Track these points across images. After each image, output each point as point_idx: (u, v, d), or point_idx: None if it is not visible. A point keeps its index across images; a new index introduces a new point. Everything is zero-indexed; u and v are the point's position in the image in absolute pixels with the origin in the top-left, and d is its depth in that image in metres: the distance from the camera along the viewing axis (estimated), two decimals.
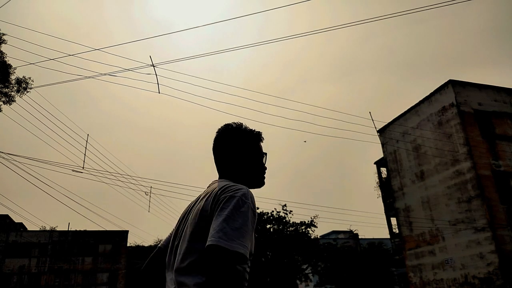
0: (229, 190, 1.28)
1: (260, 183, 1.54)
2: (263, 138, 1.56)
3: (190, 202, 1.52)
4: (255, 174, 1.51)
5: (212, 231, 1.16)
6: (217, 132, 1.53)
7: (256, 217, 1.28)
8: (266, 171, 1.55)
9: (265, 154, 1.56)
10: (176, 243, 1.37)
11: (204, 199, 1.34)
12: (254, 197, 1.32)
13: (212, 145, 1.54)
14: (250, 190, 1.34)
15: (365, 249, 32.36)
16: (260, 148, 1.54)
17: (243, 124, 1.54)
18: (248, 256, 1.17)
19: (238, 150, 1.48)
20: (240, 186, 1.32)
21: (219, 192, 1.29)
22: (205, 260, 1.15)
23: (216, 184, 1.39)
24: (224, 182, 1.36)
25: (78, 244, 33.93)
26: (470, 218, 17.37)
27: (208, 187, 1.48)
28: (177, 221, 1.51)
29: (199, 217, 1.30)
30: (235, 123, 1.54)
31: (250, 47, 9.11)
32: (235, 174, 1.47)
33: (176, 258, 1.30)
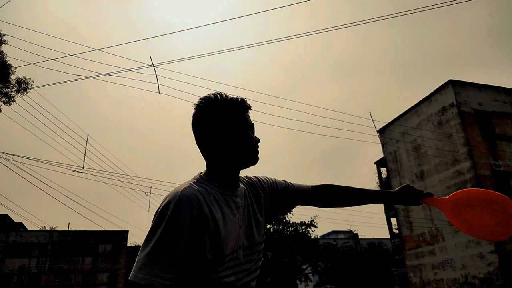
0: (160, 204, 1.13)
1: (253, 158, 1.27)
2: (249, 106, 1.29)
3: None
4: (244, 150, 1.24)
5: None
6: (194, 108, 1.26)
7: (183, 225, 1.07)
8: (259, 144, 1.30)
9: (252, 124, 1.29)
10: None
11: None
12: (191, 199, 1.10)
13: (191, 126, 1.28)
14: (193, 187, 1.15)
15: (365, 249, 32.35)
16: (245, 118, 1.27)
17: (223, 93, 1.26)
18: (159, 283, 1.03)
19: (219, 125, 1.21)
20: (171, 193, 1.14)
21: None
22: None
23: None
24: (170, 193, 1.16)
25: (78, 244, 33.92)
26: None
27: None
28: None
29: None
30: (213, 94, 1.25)
31: (250, 47, 9.12)
32: (220, 156, 1.23)
33: None
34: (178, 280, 1.09)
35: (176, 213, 1.07)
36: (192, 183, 1.18)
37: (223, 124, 1.22)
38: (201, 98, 1.26)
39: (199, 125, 1.25)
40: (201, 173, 1.27)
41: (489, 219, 1.31)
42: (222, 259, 1.14)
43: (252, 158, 1.27)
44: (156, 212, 1.10)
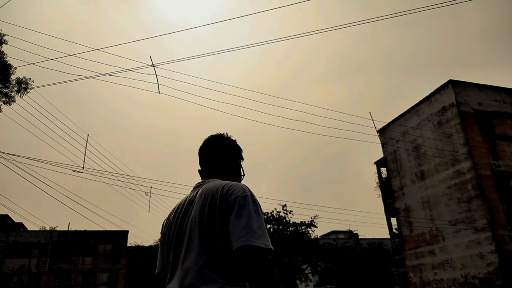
0: (235, 191, 1.35)
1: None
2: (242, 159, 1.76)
3: (174, 207, 1.56)
4: (237, 178, 1.65)
5: (238, 232, 1.23)
6: (208, 138, 1.71)
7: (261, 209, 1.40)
8: (243, 177, 1.71)
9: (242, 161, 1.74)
10: (174, 251, 1.38)
11: (204, 199, 1.37)
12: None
13: (201, 148, 1.70)
14: None
15: (365, 249, 32.33)
16: (241, 156, 1.73)
17: (232, 138, 1.74)
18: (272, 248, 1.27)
19: (227, 155, 1.65)
20: (239, 184, 1.41)
21: (225, 192, 1.35)
22: (233, 261, 1.24)
23: (211, 184, 1.44)
24: (220, 181, 1.44)
25: (78, 244, 33.92)
26: (470, 218, 17.36)
27: (196, 187, 1.53)
28: (162, 235, 1.52)
29: (208, 217, 1.32)
30: (223, 133, 1.73)
31: (250, 47, 9.12)
32: (222, 176, 1.59)
33: (181, 262, 1.31)
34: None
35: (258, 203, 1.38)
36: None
37: (230, 156, 1.66)
38: (215, 134, 1.72)
39: (213, 150, 1.65)
40: (220, 180, 1.55)
41: None
42: None
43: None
44: (243, 197, 1.33)
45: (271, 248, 1.23)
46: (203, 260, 1.26)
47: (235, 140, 1.75)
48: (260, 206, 1.36)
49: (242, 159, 1.74)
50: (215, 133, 1.74)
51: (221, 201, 1.32)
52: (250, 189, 1.40)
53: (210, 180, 1.53)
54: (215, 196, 1.34)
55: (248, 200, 1.31)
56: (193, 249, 1.30)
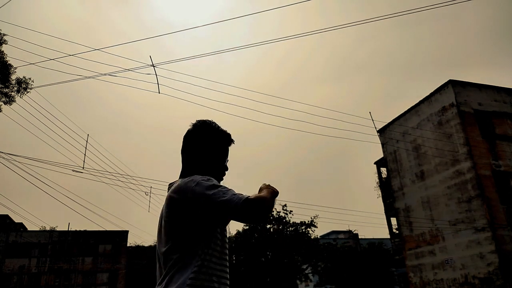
0: (190, 183, 1.41)
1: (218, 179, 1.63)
2: (232, 141, 1.66)
3: None
4: (216, 174, 1.59)
5: (216, 198, 1.32)
6: (191, 125, 1.62)
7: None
8: (226, 172, 1.65)
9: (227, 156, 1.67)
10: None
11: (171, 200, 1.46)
12: None
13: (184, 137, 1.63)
14: None
15: (365, 249, 32.33)
16: (227, 150, 1.65)
17: (215, 123, 1.64)
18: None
19: (205, 147, 1.57)
20: (193, 176, 1.45)
21: (182, 190, 1.42)
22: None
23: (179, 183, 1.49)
24: (185, 179, 1.46)
25: (78, 244, 33.92)
26: (470, 218, 17.36)
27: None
28: None
29: (165, 216, 1.46)
30: (209, 120, 1.63)
31: (250, 47, 9.11)
32: (199, 168, 1.56)
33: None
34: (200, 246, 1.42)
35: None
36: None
37: (213, 147, 1.58)
38: (202, 121, 1.62)
39: (196, 139, 1.58)
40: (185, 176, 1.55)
41: None
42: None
43: (218, 179, 1.62)
44: (194, 180, 1.40)
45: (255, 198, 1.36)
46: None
47: (222, 130, 1.64)
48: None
49: (226, 155, 1.64)
50: (198, 120, 1.64)
51: (185, 202, 1.44)
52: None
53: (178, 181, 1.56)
54: (175, 203, 1.43)
55: (197, 182, 1.40)
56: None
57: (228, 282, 1.47)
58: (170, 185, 1.56)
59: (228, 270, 1.49)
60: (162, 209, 1.50)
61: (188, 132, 1.61)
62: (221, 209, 1.31)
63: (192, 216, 1.38)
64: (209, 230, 1.43)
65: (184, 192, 1.39)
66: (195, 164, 1.56)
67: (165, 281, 1.35)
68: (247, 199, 1.29)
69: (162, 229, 1.45)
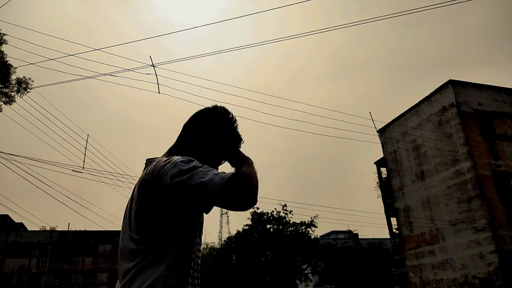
0: (163, 162, 1.24)
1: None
2: (242, 141, 1.49)
3: None
4: (214, 159, 1.42)
5: (193, 181, 1.14)
6: (213, 106, 1.45)
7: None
8: (221, 162, 1.47)
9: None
10: None
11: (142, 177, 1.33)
12: None
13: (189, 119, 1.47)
14: None
15: (365, 249, 32.31)
16: (228, 150, 1.44)
17: (234, 116, 1.47)
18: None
19: (210, 133, 1.40)
20: (169, 157, 1.27)
21: (155, 167, 1.25)
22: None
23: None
24: (156, 158, 1.33)
25: (78, 244, 33.93)
26: (470, 218, 17.36)
27: None
28: None
29: (130, 201, 1.32)
30: (228, 110, 1.47)
31: (250, 47, 9.12)
32: (195, 150, 1.39)
33: None
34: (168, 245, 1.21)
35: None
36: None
37: (219, 138, 1.40)
38: (222, 107, 1.45)
39: (207, 121, 1.41)
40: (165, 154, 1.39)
41: None
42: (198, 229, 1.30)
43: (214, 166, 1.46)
44: (170, 161, 1.21)
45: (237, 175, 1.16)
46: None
47: (223, 114, 1.44)
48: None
49: (229, 137, 1.43)
50: (213, 105, 1.46)
51: (154, 179, 1.25)
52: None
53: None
54: (144, 183, 1.26)
55: (172, 160, 1.22)
56: None
57: (199, 281, 1.30)
58: (148, 161, 1.35)
59: (199, 268, 1.32)
60: (133, 192, 1.29)
61: (203, 111, 1.44)
62: (200, 192, 1.10)
63: (168, 203, 1.19)
64: (188, 219, 1.23)
65: (159, 176, 1.18)
66: (190, 146, 1.39)
67: (129, 276, 1.15)
68: (232, 175, 1.10)
69: (132, 217, 1.24)
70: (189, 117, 1.46)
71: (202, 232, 1.35)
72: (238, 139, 1.46)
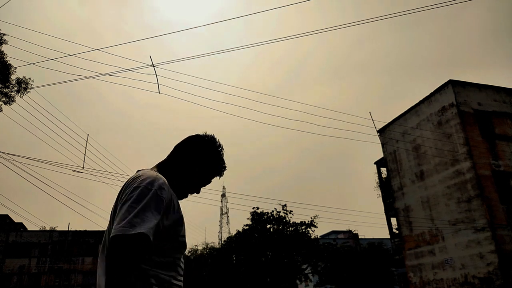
0: (136, 181, 1.29)
1: (181, 195, 1.53)
2: (221, 175, 1.59)
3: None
4: (188, 187, 1.52)
5: (115, 223, 1.17)
6: (204, 134, 1.57)
7: (165, 199, 1.27)
8: (194, 191, 1.56)
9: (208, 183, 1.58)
10: None
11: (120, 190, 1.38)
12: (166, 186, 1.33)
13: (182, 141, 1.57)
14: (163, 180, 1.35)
15: (365, 249, 32.32)
16: (213, 177, 1.57)
17: (223, 151, 1.58)
18: (150, 236, 1.16)
19: (202, 161, 1.51)
20: (150, 175, 1.32)
21: (127, 183, 1.31)
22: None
23: (134, 174, 1.39)
24: (139, 173, 1.36)
25: (78, 244, 33.92)
26: (470, 218, 17.37)
27: None
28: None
29: (112, 209, 1.34)
30: (220, 145, 1.57)
31: (250, 47, 9.13)
32: (176, 172, 1.49)
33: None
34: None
35: (160, 192, 1.27)
36: (161, 175, 1.38)
37: (207, 167, 1.52)
38: (215, 138, 1.57)
39: (199, 148, 1.52)
40: (147, 169, 1.44)
41: None
42: (183, 246, 1.35)
43: (182, 196, 1.53)
44: (138, 187, 1.25)
45: (140, 233, 1.12)
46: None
47: (220, 155, 1.56)
48: (157, 193, 1.25)
49: (208, 180, 1.56)
50: (206, 133, 1.59)
51: (121, 191, 1.31)
52: (161, 181, 1.30)
53: (141, 170, 1.43)
54: (119, 194, 1.32)
55: (140, 190, 1.24)
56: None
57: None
58: (136, 172, 1.43)
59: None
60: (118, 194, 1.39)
61: (198, 138, 1.55)
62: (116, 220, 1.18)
63: None
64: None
65: (124, 193, 1.28)
66: (182, 168, 1.49)
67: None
68: (132, 235, 1.11)
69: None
70: (182, 139, 1.57)
71: (179, 240, 1.37)
72: (221, 168, 1.57)
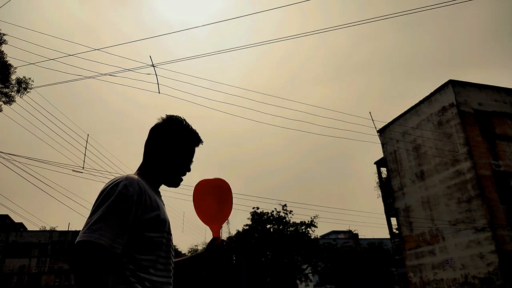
0: (106, 185, 1.27)
1: (173, 183, 1.50)
2: (201, 142, 1.54)
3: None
4: (173, 173, 1.47)
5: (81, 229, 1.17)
6: (161, 119, 1.50)
7: (131, 199, 1.23)
8: (186, 173, 1.51)
9: (192, 158, 1.53)
10: None
11: None
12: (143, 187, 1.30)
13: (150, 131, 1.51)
14: (141, 181, 1.32)
15: (365, 249, 32.32)
16: (193, 151, 1.52)
17: (185, 121, 1.52)
18: (110, 245, 1.13)
19: (175, 144, 1.46)
20: (119, 177, 1.29)
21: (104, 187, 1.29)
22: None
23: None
24: (118, 177, 1.33)
25: None
26: (470, 218, 17.36)
27: None
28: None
29: None
30: (180, 117, 1.51)
31: (250, 47, 9.12)
32: (160, 164, 1.45)
33: None
34: (123, 251, 1.20)
35: (126, 189, 1.23)
36: (133, 175, 1.34)
37: (177, 145, 1.46)
38: (172, 116, 1.50)
39: (161, 133, 1.46)
40: (139, 173, 1.43)
41: (212, 201, 1.58)
42: (163, 237, 1.32)
43: (174, 183, 1.50)
44: (104, 190, 1.23)
45: (92, 242, 1.10)
46: None
47: (190, 129, 1.51)
48: (121, 194, 1.21)
49: (190, 156, 1.51)
50: (167, 115, 1.51)
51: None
52: (129, 180, 1.26)
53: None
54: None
55: (105, 193, 1.22)
56: None
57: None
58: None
59: None
60: None
61: (157, 125, 1.49)
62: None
63: None
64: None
65: (101, 192, 1.26)
66: (156, 160, 1.44)
67: None
68: (88, 242, 1.10)
69: None
70: (149, 131, 1.50)
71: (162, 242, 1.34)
72: (192, 135, 1.50)
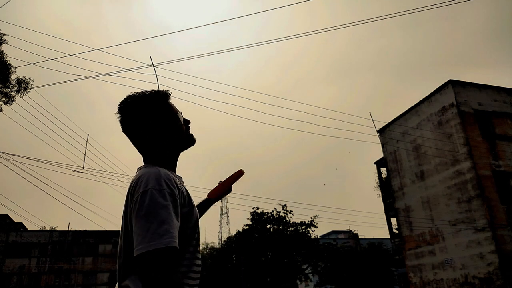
0: (139, 186, 1.13)
1: (188, 141, 1.37)
2: (169, 92, 1.35)
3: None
4: (177, 138, 1.33)
5: (135, 237, 1.07)
6: (119, 111, 1.30)
7: (174, 193, 1.14)
8: (189, 125, 1.39)
9: (178, 112, 1.36)
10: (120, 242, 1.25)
11: (126, 194, 1.22)
12: (173, 185, 1.17)
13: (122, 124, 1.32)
14: (163, 169, 1.19)
15: (365, 249, 32.31)
16: (170, 106, 1.34)
17: (140, 91, 1.32)
18: (176, 244, 1.05)
19: (150, 119, 1.28)
20: (147, 173, 1.15)
21: (132, 188, 1.16)
22: (137, 268, 1.09)
23: (135, 174, 1.23)
24: (139, 173, 1.20)
25: (78, 244, 33.92)
26: (470, 218, 17.36)
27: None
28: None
29: (123, 214, 1.21)
30: (132, 93, 1.31)
31: (249, 47, 9.11)
32: (160, 146, 1.29)
33: (118, 259, 1.23)
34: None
35: (170, 187, 1.13)
36: (156, 167, 1.20)
37: (153, 117, 1.28)
38: (123, 100, 1.30)
39: (131, 125, 1.29)
40: (145, 166, 1.27)
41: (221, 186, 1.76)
42: (196, 232, 1.25)
43: (187, 142, 1.37)
44: (144, 192, 1.10)
45: (166, 248, 1.02)
46: (124, 263, 1.19)
47: (153, 93, 1.32)
48: (161, 193, 1.10)
49: (174, 113, 1.33)
50: (124, 99, 1.31)
51: (130, 199, 1.16)
52: (164, 174, 1.15)
53: (140, 168, 1.29)
54: (129, 193, 1.17)
55: (147, 195, 1.09)
56: (120, 251, 1.22)
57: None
58: (139, 170, 1.28)
59: None
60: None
61: (122, 114, 1.30)
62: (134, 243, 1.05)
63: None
64: None
65: (132, 198, 1.14)
66: (149, 148, 1.29)
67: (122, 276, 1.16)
68: (162, 249, 1.01)
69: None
70: (121, 118, 1.31)
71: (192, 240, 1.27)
72: (163, 98, 1.33)
